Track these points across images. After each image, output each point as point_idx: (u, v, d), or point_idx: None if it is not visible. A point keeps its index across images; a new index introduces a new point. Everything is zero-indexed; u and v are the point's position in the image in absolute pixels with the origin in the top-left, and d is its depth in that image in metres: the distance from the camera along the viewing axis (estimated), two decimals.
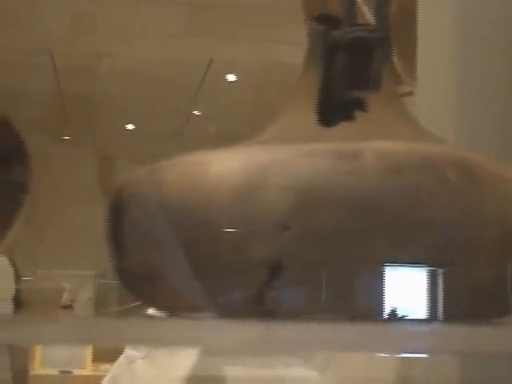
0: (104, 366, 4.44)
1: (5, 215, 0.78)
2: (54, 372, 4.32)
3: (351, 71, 0.71)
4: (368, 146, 0.59)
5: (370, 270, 0.61)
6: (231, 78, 5.08)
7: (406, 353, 0.99)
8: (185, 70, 4.83)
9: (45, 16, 4.26)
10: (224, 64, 4.80)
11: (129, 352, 2.46)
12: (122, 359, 2.48)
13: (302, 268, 0.59)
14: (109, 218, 0.68)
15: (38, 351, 4.10)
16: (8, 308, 3.21)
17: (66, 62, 4.76)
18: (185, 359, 2.34)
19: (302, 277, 0.59)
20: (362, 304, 0.62)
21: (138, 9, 4.23)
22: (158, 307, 0.73)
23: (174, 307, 0.69)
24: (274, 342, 0.62)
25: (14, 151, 0.79)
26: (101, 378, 3.88)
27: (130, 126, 5.74)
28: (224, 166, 0.60)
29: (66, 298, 4.69)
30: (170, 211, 0.60)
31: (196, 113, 5.52)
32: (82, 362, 4.43)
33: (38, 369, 4.10)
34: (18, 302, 3.31)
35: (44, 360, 4.18)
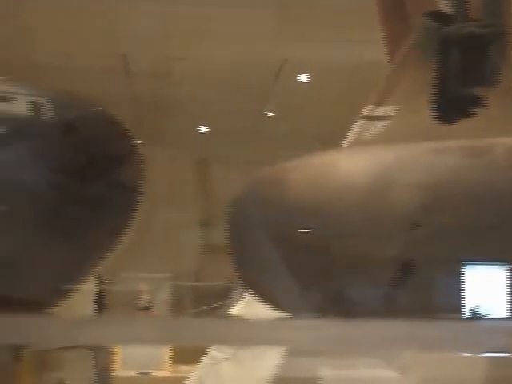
0: (183, 368, 4.47)
1: (119, 218, 0.79)
2: (134, 373, 4.36)
3: (466, 67, 0.70)
4: (499, 142, 0.58)
5: (485, 266, 0.60)
6: (304, 78, 5.07)
7: (488, 352, 0.97)
8: (257, 71, 4.83)
9: (119, 21, 4.31)
10: (297, 64, 4.79)
11: (213, 353, 2.47)
12: (206, 360, 2.49)
13: (432, 266, 0.58)
14: (232, 219, 0.68)
15: (119, 353, 4.14)
16: (90, 310, 3.26)
17: (139, 66, 4.81)
18: (270, 360, 2.34)
19: (432, 275, 0.59)
20: (448, 302, 0.61)
21: (209, 11, 4.25)
22: (279, 307, 0.73)
23: (295, 307, 0.69)
24: (356, 341, 0.61)
25: (128, 155, 0.80)
26: (180, 379, 3.91)
27: (202, 129, 5.77)
28: (351, 167, 0.59)
29: (144, 300, 4.74)
30: (296, 212, 0.60)
31: (268, 114, 5.52)
32: (161, 363, 4.46)
33: (118, 370, 4.13)
34: (100, 304, 3.36)
35: (124, 361, 4.22)
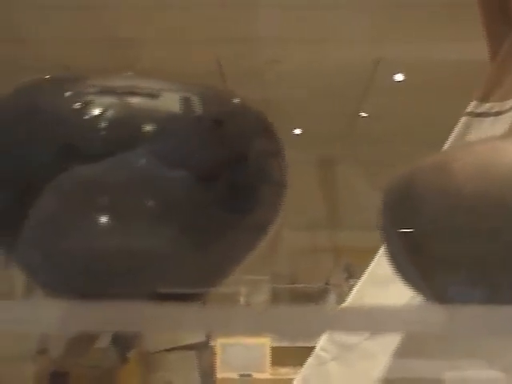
0: (283, 370, 4.48)
1: (267, 213, 0.79)
2: (234, 375, 4.38)
3: None
4: None
5: None
6: (399, 77, 5.02)
7: None
8: (352, 71, 4.81)
9: (212, 23, 4.35)
10: (392, 64, 4.75)
11: (319, 353, 2.45)
12: (311, 360, 2.47)
13: None
14: (392, 206, 0.67)
15: (220, 355, 4.17)
16: None
17: (234, 69, 4.84)
18: (379, 361, 2.32)
19: None
20: None
21: (303, 13, 4.25)
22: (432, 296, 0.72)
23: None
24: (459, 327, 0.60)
25: (273, 149, 0.79)
26: (280, 381, 3.92)
27: (297, 131, 5.77)
28: None
29: (242, 301, 4.76)
30: (463, 198, 0.58)
31: (363, 114, 5.49)
32: (262, 365, 4.47)
33: (219, 372, 4.16)
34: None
35: (224, 363, 4.25)
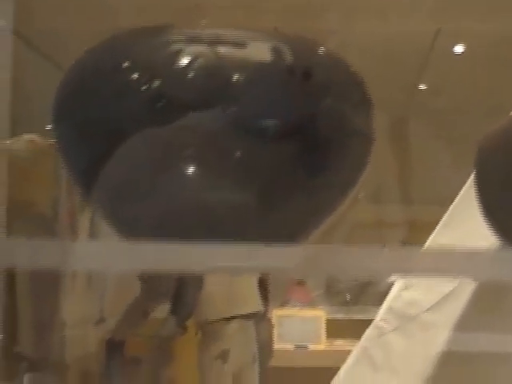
0: (338, 342, 4.48)
1: (355, 167, 0.78)
2: (290, 347, 4.40)
3: None
4: None
5: None
6: (459, 49, 4.94)
7: None
8: (411, 42, 4.75)
9: None
10: (452, 35, 4.68)
11: (379, 324, 2.45)
12: (371, 331, 2.47)
13: None
14: (490, 153, 0.66)
15: (276, 326, 4.18)
16: None
17: None
18: (439, 333, 2.30)
19: None
20: None
21: None
22: None
23: None
24: None
25: (363, 102, 0.79)
26: (335, 353, 3.91)
27: None
28: None
29: None
30: None
31: (422, 87, 5.43)
32: (317, 337, 4.48)
33: (275, 343, 4.17)
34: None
35: (280, 335, 4.26)
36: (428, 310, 2.35)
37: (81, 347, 2.81)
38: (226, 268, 0.69)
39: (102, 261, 0.68)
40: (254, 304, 3.30)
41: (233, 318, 3.24)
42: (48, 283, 2.42)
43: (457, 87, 5.07)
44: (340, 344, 4.41)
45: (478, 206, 0.86)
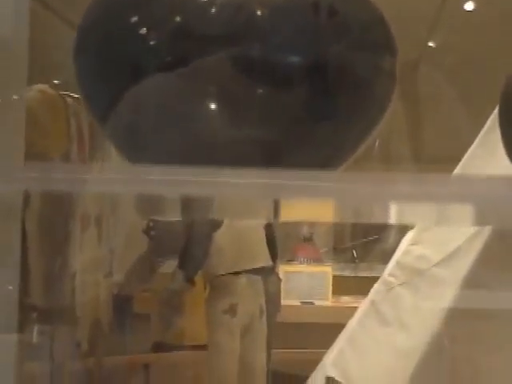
0: (344, 298, 4.50)
1: (379, 106, 0.78)
2: (297, 303, 4.42)
3: None
4: None
5: None
6: (469, 6, 4.90)
7: None
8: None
9: None
10: None
11: (387, 278, 2.46)
12: (379, 285, 2.48)
13: None
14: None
15: (282, 283, 4.19)
16: None
17: None
18: (448, 287, 2.31)
19: None
20: None
21: None
22: None
23: None
24: None
25: (387, 41, 0.79)
26: (341, 309, 3.94)
27: None
28: None
29: (305, 230, 4.78)
30: None
31: (431, 44, 5.39)
32: (324, 293, 4.50)
33: (282, 299, 4.19)
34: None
35: (287, 291, 4.28)
36: (437, 264, 2.36)
37: (91, 298, 2.83)
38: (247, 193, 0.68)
39: (117, 184, 0.68)
40: (263, 258, 3.31)
41: (241, 272, 3.25)
42: (58, 233, 2.43)
43: (467, 44, 5.04)
44: (346, 301, 4.43)
45: (503, 145, 0.86)
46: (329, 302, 4.49)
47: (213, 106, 0.70)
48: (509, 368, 2.21)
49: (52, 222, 2.36)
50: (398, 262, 2.54)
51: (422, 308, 2.39)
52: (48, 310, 2.41)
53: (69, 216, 2.45)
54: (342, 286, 4.63)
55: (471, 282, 2.31)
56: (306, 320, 4.26)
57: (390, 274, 2.52)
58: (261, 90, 0.71)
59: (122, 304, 4.08)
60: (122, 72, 0.76)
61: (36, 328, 2.40)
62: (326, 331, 2.72)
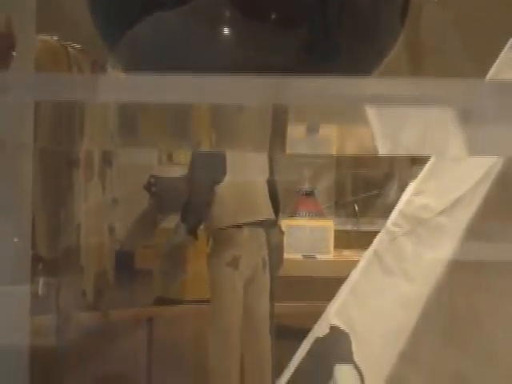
0: (346, 252, 4.52)
1: (388, 35, 0.78)
2: (298, 256, 4.43)
3: None
4: None
5: None
6: None
7: None
8: None
9: None
10: None
11: (390, 228, 2.46)
12: (383, 235, 2.48)
13: None
14: None
15: (284, 237, 4.20)
16: None
17: None
18: (451, 236, 2.32)
19: None
20: None
21: None
22: None
23: None
24: None
25: None
26: (343, 263, 3.95)
27: None
28: None
29: (307, 185, 4.78)
30: None
31: None
32: (325, 247, 4.51)
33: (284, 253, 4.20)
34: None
35: (288, 245, 4.28)
36: (440, 213, 2.36)
37: (96, 248, 2.84)
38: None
39: (130, 92, 0.68)
40: (265, 211, 3.31)
41: (244, 225, 3.26)
42: (63, 183, 2.43)
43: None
44: (348, 255, 4.45)
45: None
46: (331, 255, 4.51)
47: (228, 30, 0.70)
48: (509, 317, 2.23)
49: (58, 171, 2.36)
50: (400, 212, 2.55)
51: (425, 257, 2.40)
52: (53, 260, 2.42)
53: (73, 163, 2.46)
54: (343, 240, 4.65)
55: (474, 231, 2.32)
56: (308, 274, 4.27)
57: (393, 224, 2.53)
58: (275, 14, 0.70)
59: (123, 260, 4.10)
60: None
61: (41, 280, 2.41)
62: (328, 285, 2.74)
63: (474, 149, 0.84)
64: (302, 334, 2.70)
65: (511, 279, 2.30)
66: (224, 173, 3.21)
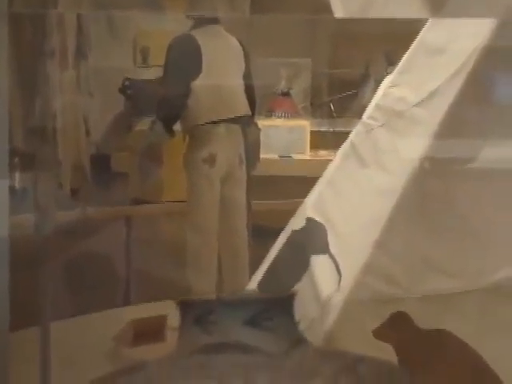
0: (322, 152, 4.54)
1: None
2: (275, 157, 4.45)
3: None
4: None
5: None
6: None
7: None
8: None
9: None
10: None
11: (366, 121, 2.47)
12: (359, 128, 2.50)
13: None
14: None
15: (261, 137, 4.20)
16: None
17: None
18: (426, 127, 2.34)
19: None
20: None
21: None
22: None
23: None
24: None
25: None
26: (319, 163, 3.97)
27: None
28: None
29: (283, 85, 4.77)
30: None
31: None
32: (301, 147, 4.53)
33: (260, 153, 4.20)
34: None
35: (265, 145, 4.28)
36: (416, 105, 2.38)
37: (72, 142, 2.83)
38: None
39: None
40: (242, 107, 3.29)
41: (220, 121, 3.24)
42: (37, 72, 2.40)
43: None
44: (324, 155, 4.47)
45: None
46: (307, 155, 4.52)
47: None
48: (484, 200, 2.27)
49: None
50: (377, 105, 2.56)
51: (401, 149, 2.43)
52: (30, 153, 2.41)
53: (47, 53, 2.42)
54: (319, 140, 4.66)
55: (449, 122, 2.34)
56: (285, 173, 4.30)
57: (370, 117, 2.55)
58: None
59: (100, 163, 4.09)
60: None
61: (18, 174, 2.41)
62: (304, 184, 2.76)
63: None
64: (278, 233, 2.73)
65: (480, 184, 2.34)
66: (199, 69, 3.18)
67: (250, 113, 3.38)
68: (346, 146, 2.57)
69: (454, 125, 2.32)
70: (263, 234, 3.66)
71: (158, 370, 0.70)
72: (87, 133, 3.62)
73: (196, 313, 0.68)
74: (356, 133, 2.55)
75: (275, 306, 0.68)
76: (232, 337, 0.65)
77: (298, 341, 0.69)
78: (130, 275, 3.69)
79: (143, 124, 3.92)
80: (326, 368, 0.64)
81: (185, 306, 0.70)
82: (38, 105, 2.43)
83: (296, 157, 4.51)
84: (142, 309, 3.29)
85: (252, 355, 0.64)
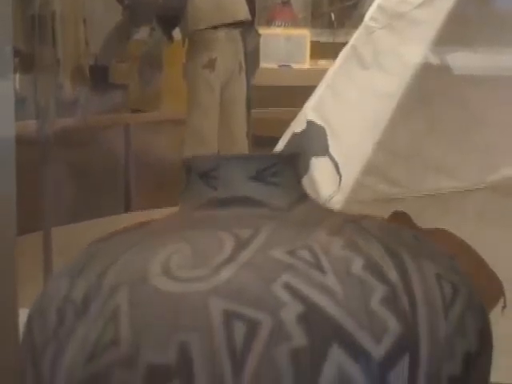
0: (322, 62, 4.51)
1: None
2: (274, 66, 4.41)
3: None
4: None
5: None
6: None
7: None
8: None
9: None
10: None
11: (368, 23, 2.45)
12: (360, 30, 2.48)
13: None
14: None
15: (260, 46, 4.17)
16: None
17: None
18: (427, 29, 2.33)
19: None
20: None
21: None
22: None
23: None
24: None
25: None
26: (319, 72, 3.95)
27: None
28: None
29: None
30: None
31: None
32: (301, 57, 4.50)
33: (260, 63, 4.18)
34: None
35: (264, 54, 4.25)
36: (418, 6, 2.36)
37: (71, 42, 2.80)
38: None
39: None
40: (242, 12, 3.26)
41: (220, 26, 3.21)
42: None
43: None
44: (323, 64, 4.44)
45: None
46: (306, 65, 4.50)
47: None
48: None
49: None
50: (379, 6, 2.53)
51: (402, 51, 2.42)
52: (29, 54, 2.39)
53: None
54: (319, 51, 4.62)
55: (452, 23, 2.33)
56: (284, 83, 4.28)
57: (371, 19, 2.52)
58: None
59: (99, 75, 4.07)
60: None
61: (18, 75, 2.39)
62: (304, 93, 2.74)
63: None
64: (277, 143, 2.73)
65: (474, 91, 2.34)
66: None
67: (250, 18, 3.35)
68: (346, 49, 2.56)
69: (455, 28, 2.31)
70: (262, 143, 3.66)
71: (164, 224, 0.72)
72: (86, 42, 3.59)
73: (201, 169, 0.69)
74: (357, 36, 2.53)
75: (280, 164, 0.70)
76: (239, 192, 0.66)
77: (303, 196, 0.71)
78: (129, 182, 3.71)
79: (142, 33, 3.89)
80: (330, 220, 0.66)
81: (190, 165, 0.72)
82: (37, 2, 2.40)
83: (295, 66, 4.48)
84: (142, 215, 3.31)
85: (258, 208, 0.66)
